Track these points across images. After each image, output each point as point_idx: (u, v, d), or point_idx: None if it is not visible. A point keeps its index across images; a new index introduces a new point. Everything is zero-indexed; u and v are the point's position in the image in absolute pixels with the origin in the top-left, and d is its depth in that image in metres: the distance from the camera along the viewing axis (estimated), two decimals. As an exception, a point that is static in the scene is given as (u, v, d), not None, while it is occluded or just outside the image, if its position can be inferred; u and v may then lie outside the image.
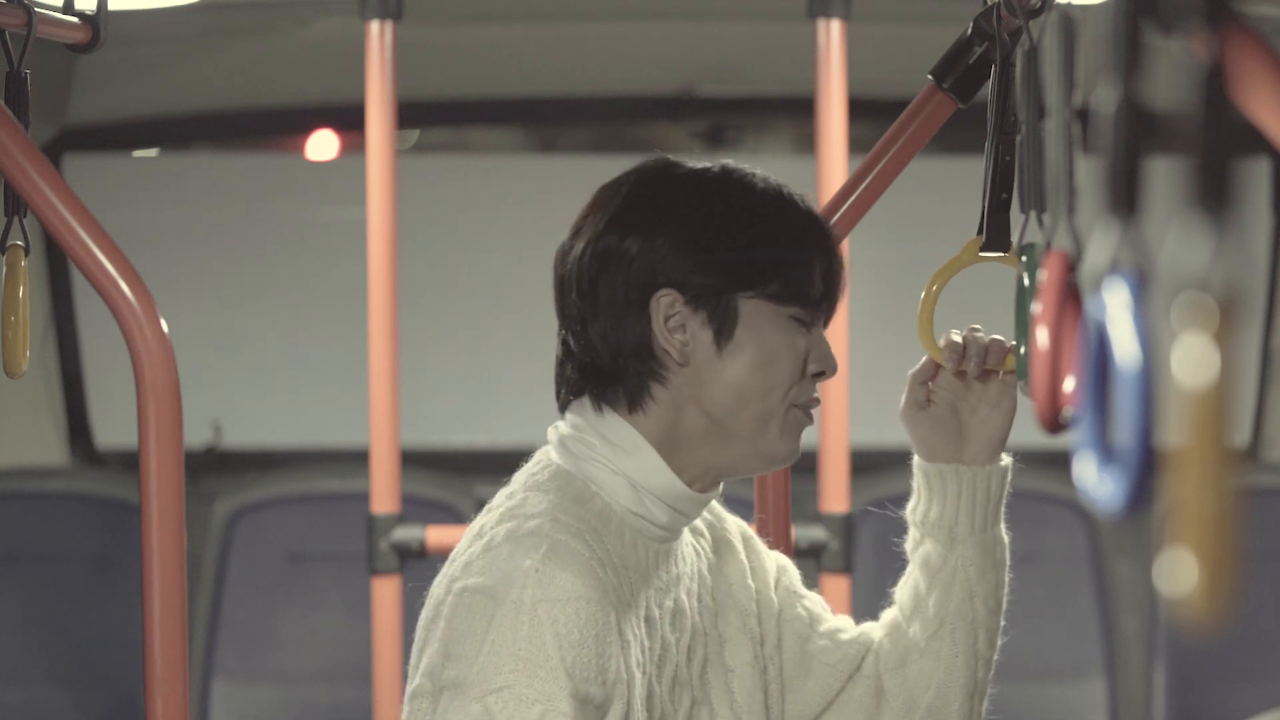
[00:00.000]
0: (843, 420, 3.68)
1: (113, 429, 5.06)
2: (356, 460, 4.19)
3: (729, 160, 2.09)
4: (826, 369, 2.06)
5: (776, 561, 2.23)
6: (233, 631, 4.77)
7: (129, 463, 4.93)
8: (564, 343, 2.08)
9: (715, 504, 2.20)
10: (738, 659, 2.13)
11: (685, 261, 2.01)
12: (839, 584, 3.76)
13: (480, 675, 1.91)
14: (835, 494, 3.74)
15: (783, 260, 2.03)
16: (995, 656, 2.22)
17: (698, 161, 2.08)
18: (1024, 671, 4.68)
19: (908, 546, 2.22)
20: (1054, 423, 1.40)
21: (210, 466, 4.99)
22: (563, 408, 2.09)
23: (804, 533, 3.71)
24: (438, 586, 2.02)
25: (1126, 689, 4.78)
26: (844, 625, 2.23)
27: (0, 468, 4.93)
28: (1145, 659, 4.79)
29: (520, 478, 2.08)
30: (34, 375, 4.93)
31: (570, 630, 1.91)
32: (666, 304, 2.01)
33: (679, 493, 2.03)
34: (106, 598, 4.78)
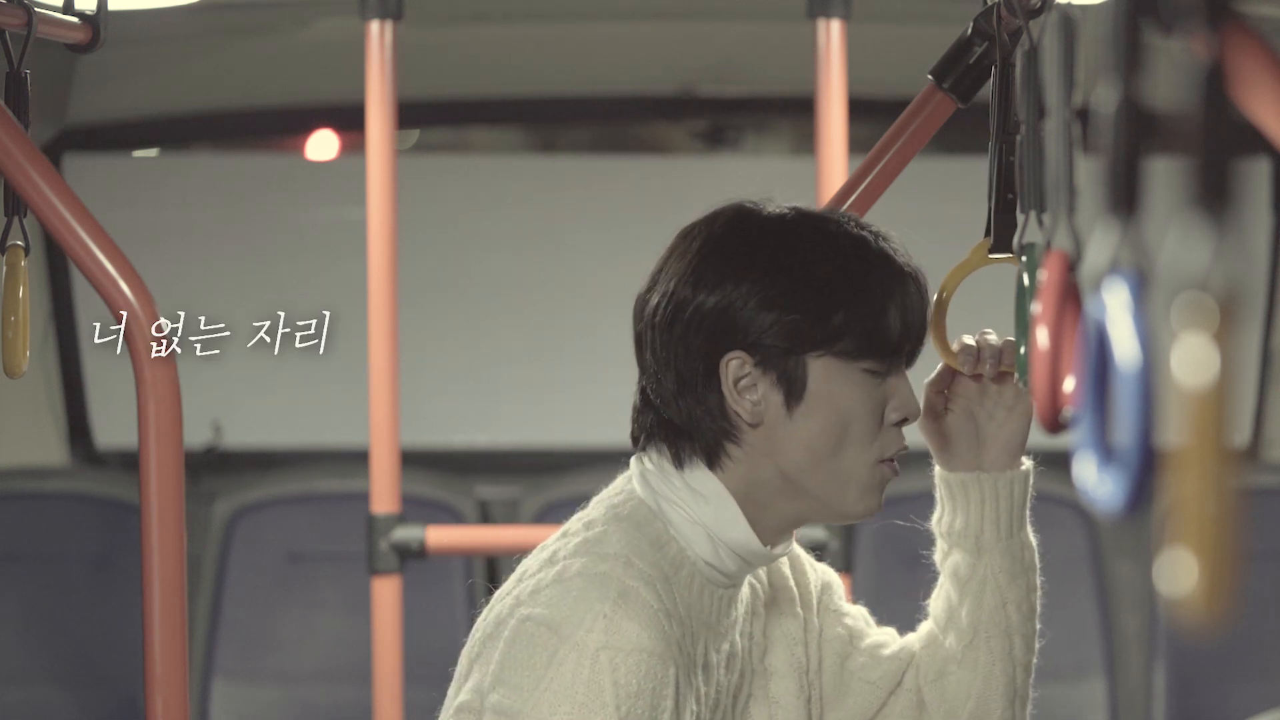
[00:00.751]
0: (843, 420, 3.67)
1: (113, 429, 5.06)
2: (356, 460, 4.19)
3: (802, 205, 2.05)
4: (909, 415, 2.03)
5: (822, 579, 2.22)
6: (233, 631, 4.77)
7: (129, 463, 4.93)
8: (643, 391, 2.05)
9: None
10: (783, 690, 2.14)
11: (754, 322, 1.98)
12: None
13: (534, 711, 1.91)
14: (835, 494, 3.73)
15: (853, 315, 1.99)
16: (1034, 661, 2.21)
17: (775, 207, 2.04)
18: (1024, 671, 4.68)
19: (936, 558, 2.21)
20: (1054, 423, 1.40)
21: (210, 466, 4.99)
22: (640, 446, 2.06)
23: (804, 532, 3.70)
24: (501, 603, 2.01)
25: (1126, 689, 4.78)
26: (886, 640, 2.22)
27: (0, 468, 4.93)
28: (1145, 659, 4.79)
29: (600, 506, 2.06)
30: (34, 375, 4.93)
31: (630, 681, 1.91)
32: (736, 366, 1.98)
33: (754, 549, 2.03)
34: (106, 598, 4.78)
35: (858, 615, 2.22)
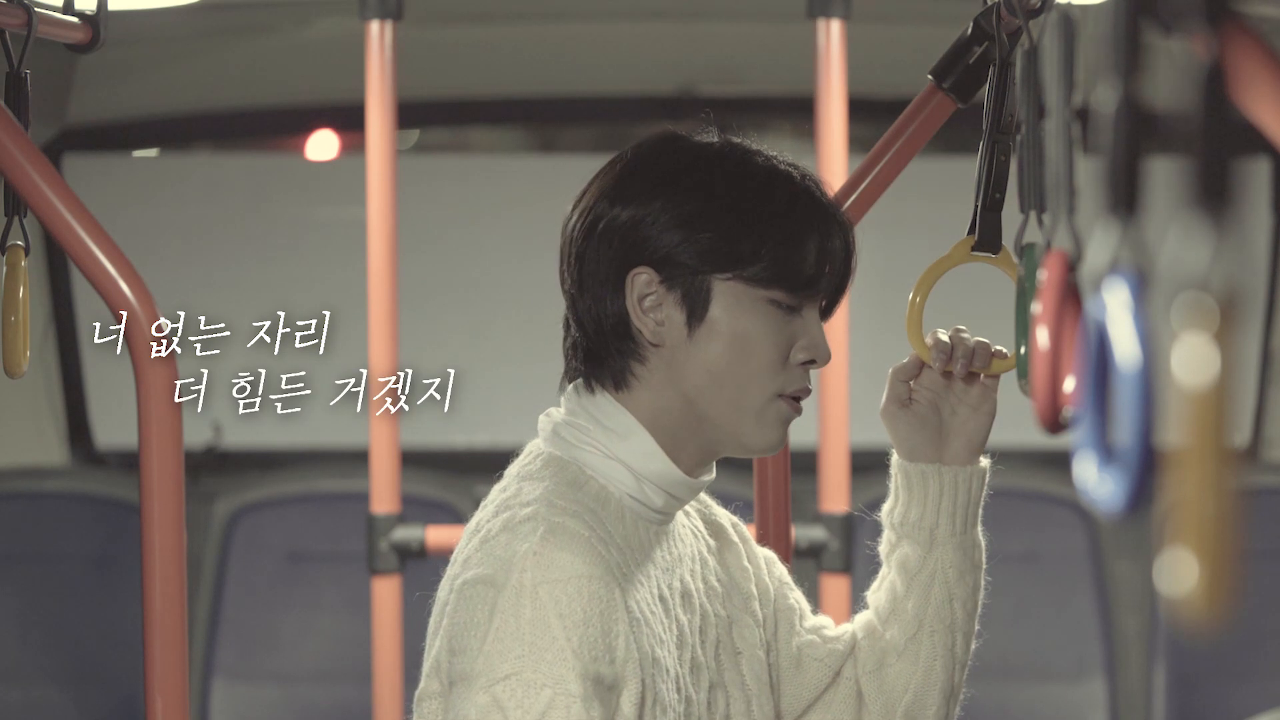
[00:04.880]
0: (843, 420, 3.68)
1: (113, 429, 5.06)
2: (356, 460, 4.19)
3: (734, 137, 2.04)
4: (816, 357, 2.01)
5: (764, 554, 2.22)
6: (233, 631, 4.77)
7: (129, 463, 4.93)
8: (566, 320, 2.06)
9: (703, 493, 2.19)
10: (745, 641, 2.12)
11: (665, 239, 1.97)
12: (839, 584, 3.76)
13: (487, 664, 1.88)
14: (835, 494, 3.73)
15: (765, 242, 1.97)
16: (969, 660, 2.21)
17: (703, 136, 2.04)
18: (1024, 671, 4.68)
19: (882, 549, 2.21)
20: (1054, 423, 1.40)
21: (210, 466, 4.99)
22: (561, 390, 2.07)
23: (804, 533, 3.71)
24: (441, 590, 2.00)
25: (1126, 689, 4.78)
26: (826, 623, 2.22)
27: (0, 468, 4.93)
28: (1145, 659, 4.79)
29: (512, 471, 2.05)
30: (34, 375, 4.93)
31: (574, 609, 1.88)
32: (642, 282, 1.98)
33: (674, 478, 2.01)
34: (106, 598, 4.78)
35: (799, 595, 2.22)
